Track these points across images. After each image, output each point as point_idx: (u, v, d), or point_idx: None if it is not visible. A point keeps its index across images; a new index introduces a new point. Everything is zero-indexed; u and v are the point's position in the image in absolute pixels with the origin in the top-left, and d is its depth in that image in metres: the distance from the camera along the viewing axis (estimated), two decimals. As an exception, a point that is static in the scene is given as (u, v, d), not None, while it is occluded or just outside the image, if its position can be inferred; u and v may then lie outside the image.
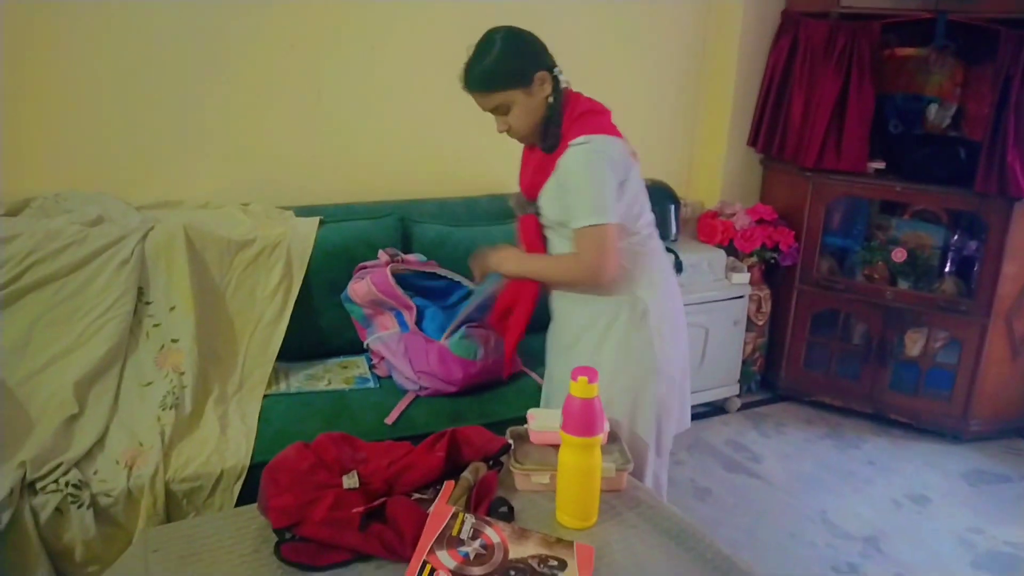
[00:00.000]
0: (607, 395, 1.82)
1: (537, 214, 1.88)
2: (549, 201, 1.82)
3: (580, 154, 1.75)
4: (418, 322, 2.34)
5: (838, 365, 3.48)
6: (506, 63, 1.76)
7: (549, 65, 1.79)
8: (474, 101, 1.81)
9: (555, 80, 1.79)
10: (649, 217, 1.91)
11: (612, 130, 1.81)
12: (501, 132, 1.85)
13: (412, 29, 2.84)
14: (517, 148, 1.95)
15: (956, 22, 3.01)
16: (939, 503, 2.84)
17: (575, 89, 1.85)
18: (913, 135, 3.30)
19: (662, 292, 1.91)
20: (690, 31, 3.48)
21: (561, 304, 1.96)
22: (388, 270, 2.31)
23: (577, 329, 1.92)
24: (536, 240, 1.91)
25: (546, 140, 1.81)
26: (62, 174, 2.46)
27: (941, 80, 3.24)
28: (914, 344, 3.31)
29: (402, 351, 2.27)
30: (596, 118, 1.81)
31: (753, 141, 3.56)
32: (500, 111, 1.80)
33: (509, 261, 1.96)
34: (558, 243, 1.88)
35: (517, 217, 1.95)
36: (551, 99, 1.79)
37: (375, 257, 2.46)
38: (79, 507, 1.76)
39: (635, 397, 1.88)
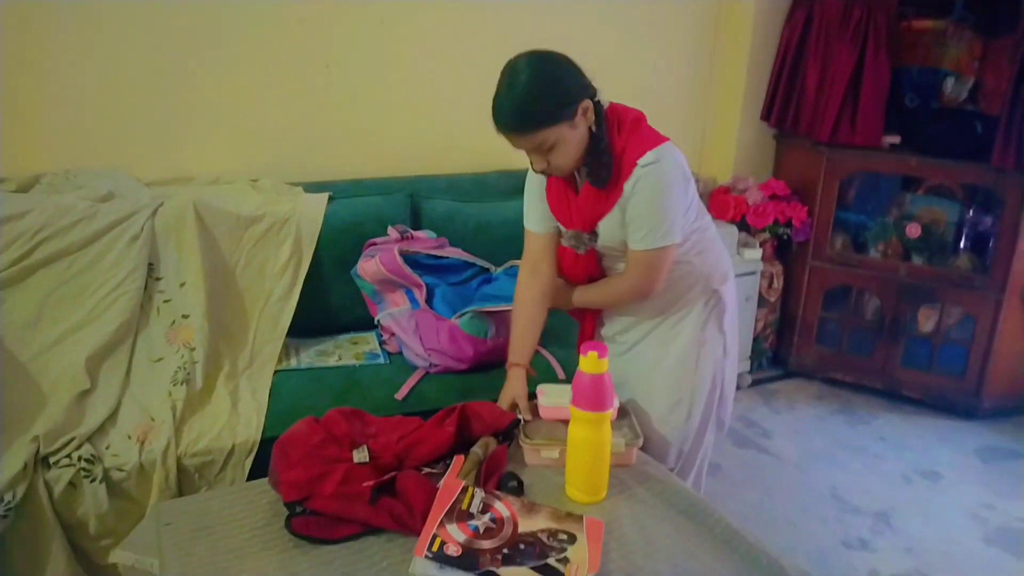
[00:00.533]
0: (678, 393, 1.81)
1: (593, 243, 1.76)
2: (612, 227, 1.69)
3: (654, 176, 1.59)
4: (428, 300, 2.34)
5: (850, 341, 3.46)
6: (544, 99, 1.53)
7: (591, 92, 1.60)
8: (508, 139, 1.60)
9: (597, 105, 1.61)
10: (698, 205, 1.79)
11: (659, 134, 1.67)
12: (539, 171, 1.65)
13: (421, 2, 2.81)
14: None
15: (975, -7, 2.96)
16: (951, 479, 2.83)
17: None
18: (929, 109, 3.25)
19: (731, 279, 1.87)
20: (704, 4, 3.43)
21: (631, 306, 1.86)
22: (396, 249, 2.30)
23: (645, 328, 1.85)
24: (595, 271, 1.83)
25: (598, 173, 1.63)
26: (72, 150, 2.46)
27: (959, 53, 3.19)
28: (927, 320, 3.28)
29: (413, 328, 2.27)
30: (643, 126, 1.66)
31: (767, 115, 3.52)
32: (539, 150, 1.59)
33: (566, 298, 1.88)
34: (613, 267, 1.82)
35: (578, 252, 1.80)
36: (594, 128, 1.61)
37: (385, 233, 2.45)
38: (92, 481, 1.78)
39: (712, 383, 1.84)
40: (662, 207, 1.62)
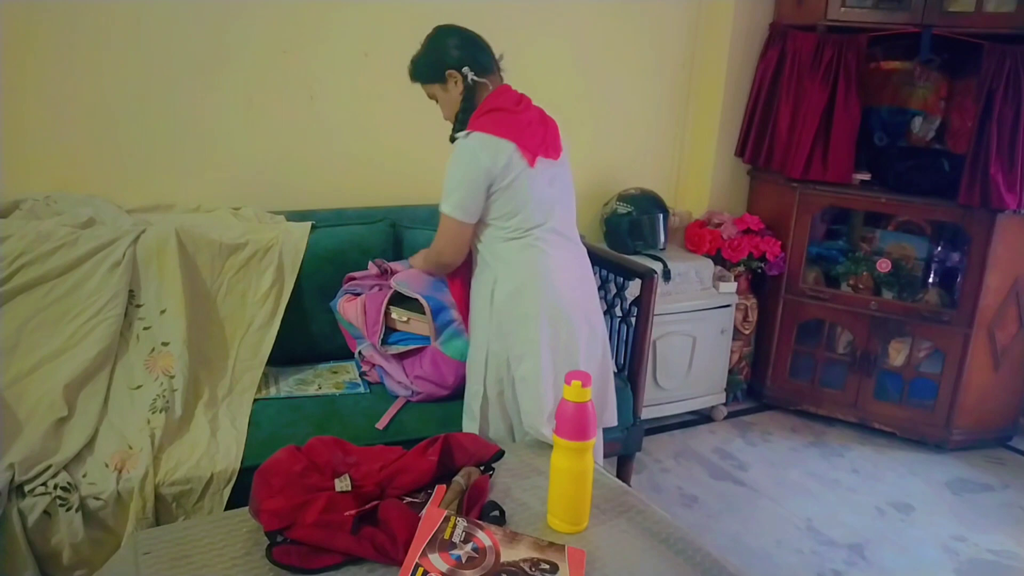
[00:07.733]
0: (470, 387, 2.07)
1: None
2: None
3: (456, 148, 1.89)
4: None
5: (823, 374, 3.51)
6: (425, 60, 1.99)
7: (459, 65, 1.93)
8: None
9: (465, 78, 1.93)
10: (534, 220, 1.93)
11: (504, 131, 1.86)
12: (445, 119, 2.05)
13: (404, 35, 2.83)
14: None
15: (941, 36, 3.05)
16: (923, 511, 2.87)
17: (519, 87, 2.01)
18: (898, 147, 3.34)
19: (519, 285, 1.94)
20: (679, 42, 3.51)
21: None
22: (385, 300, 2.27)
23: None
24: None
25: (452, 132, 1.99)
26: (52, 176, 2.45)
27: (926, 93, 3.29)
28: (898, 354, 3.34)
29: (396, 357, 2.27)
30: (495, 116, 1.89)
31: (741, 152, 3.59)
32: (434, 100, 2.03)
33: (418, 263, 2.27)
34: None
35: None
36: (462, 97, 1.95)
37: (365, 264, 2.46)
38: (68, 510, 1.75)
39: (502, 402, 2.01)
40: (449, 176, 1.89)
